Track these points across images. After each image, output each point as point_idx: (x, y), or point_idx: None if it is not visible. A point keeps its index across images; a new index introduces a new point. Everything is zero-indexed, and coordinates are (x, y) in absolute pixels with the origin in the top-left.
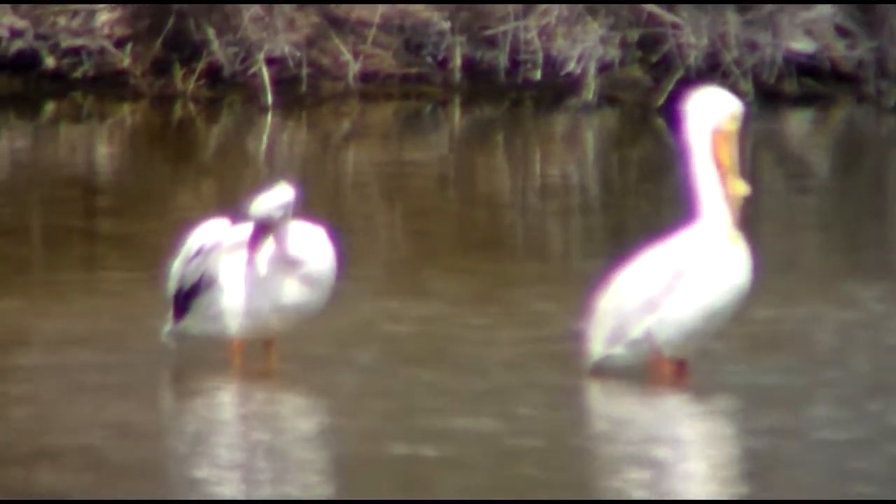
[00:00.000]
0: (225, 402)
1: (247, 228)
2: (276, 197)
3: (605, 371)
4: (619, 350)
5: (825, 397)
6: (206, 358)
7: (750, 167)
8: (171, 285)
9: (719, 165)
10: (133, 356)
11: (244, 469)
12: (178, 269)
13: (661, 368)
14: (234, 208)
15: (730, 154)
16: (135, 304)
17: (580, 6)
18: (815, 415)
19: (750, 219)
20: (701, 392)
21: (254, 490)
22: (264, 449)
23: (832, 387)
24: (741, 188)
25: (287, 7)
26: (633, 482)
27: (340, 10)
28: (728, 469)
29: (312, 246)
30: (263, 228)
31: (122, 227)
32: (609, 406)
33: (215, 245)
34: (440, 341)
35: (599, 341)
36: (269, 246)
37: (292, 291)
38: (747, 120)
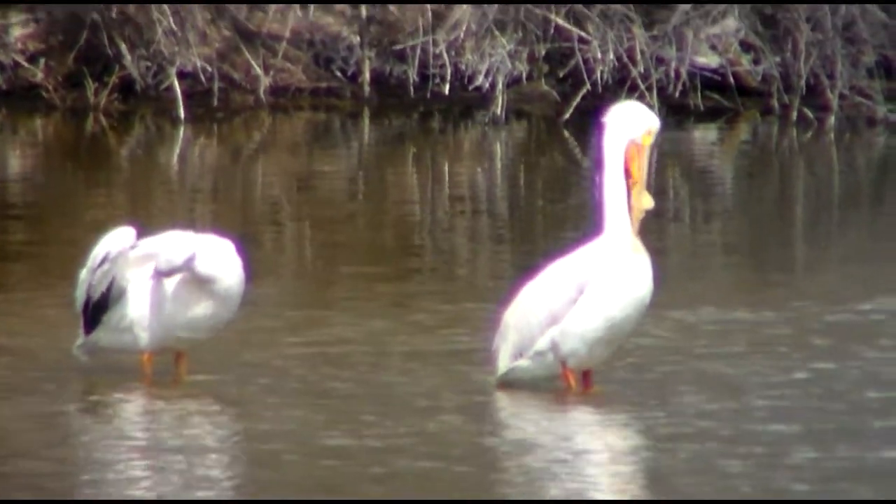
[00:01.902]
0: (132, 412)
1: (153, 241)
2: (179, 252)
3: (512, 384)
4: (524, 363)
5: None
6: (116, 369)
7: (654, 180)
8: (79, 295)
9: (629, 177)
10: (43, 368)
11: (146, 477)
12: (84, 278)
13: (567, 379)
14: (144, 221)
15: (641, 167)
16: (45, 316)
17: (489, 21)
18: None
19: (649, 231)
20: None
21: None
22: (167, 457)
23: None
24: (647, 201)
25: (199, 21)
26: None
27: (252, 24)
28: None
29: (221, 262)
30: (166, 275)
31: (32, 240)
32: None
33: (121, 253)
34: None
35: (505, 355)
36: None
37: (201, 306)
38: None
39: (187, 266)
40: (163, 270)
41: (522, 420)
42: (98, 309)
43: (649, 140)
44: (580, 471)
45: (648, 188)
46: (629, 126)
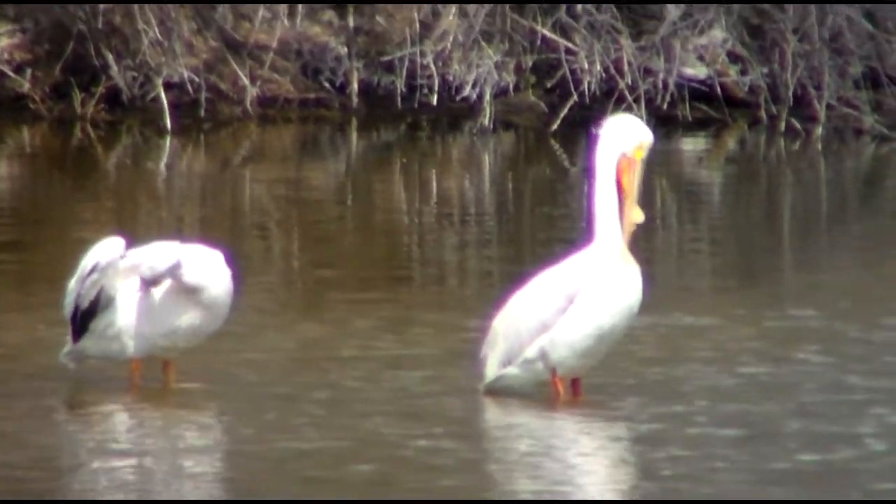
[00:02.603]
0: (119, 421)
1: (142, 252)
2: (163, 259)
3: (499, 391)
4: (513, 370)
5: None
6: (102, 377)
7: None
8: (68, 304)
9: (620, 190)
10: (30, 376)
11: (133, 487)
12: (73, 287)
13: (556, 387)
14: (132, 231)
15: (631, 181)
16: (32, 324)
17: (476, 32)
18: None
19: (639, 240)
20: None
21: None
22: (153, 465)
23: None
24: (638, 215)
25: (186, 31)
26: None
27: (239, 34)
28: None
29: (209, 271)
30: (152, 283)
31: (19, 249)
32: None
33: (110, 263)
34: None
35: (493, 363)
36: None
37: (189, 315)
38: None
39: (172, 274)
40: (147, 278)
41: (494, 427)
42: (86, 317)
43: (641, 154)
44: (541, 474)
45: (637, 201)
46: (621, 139)
